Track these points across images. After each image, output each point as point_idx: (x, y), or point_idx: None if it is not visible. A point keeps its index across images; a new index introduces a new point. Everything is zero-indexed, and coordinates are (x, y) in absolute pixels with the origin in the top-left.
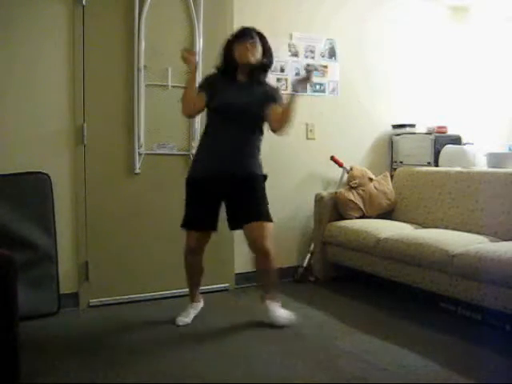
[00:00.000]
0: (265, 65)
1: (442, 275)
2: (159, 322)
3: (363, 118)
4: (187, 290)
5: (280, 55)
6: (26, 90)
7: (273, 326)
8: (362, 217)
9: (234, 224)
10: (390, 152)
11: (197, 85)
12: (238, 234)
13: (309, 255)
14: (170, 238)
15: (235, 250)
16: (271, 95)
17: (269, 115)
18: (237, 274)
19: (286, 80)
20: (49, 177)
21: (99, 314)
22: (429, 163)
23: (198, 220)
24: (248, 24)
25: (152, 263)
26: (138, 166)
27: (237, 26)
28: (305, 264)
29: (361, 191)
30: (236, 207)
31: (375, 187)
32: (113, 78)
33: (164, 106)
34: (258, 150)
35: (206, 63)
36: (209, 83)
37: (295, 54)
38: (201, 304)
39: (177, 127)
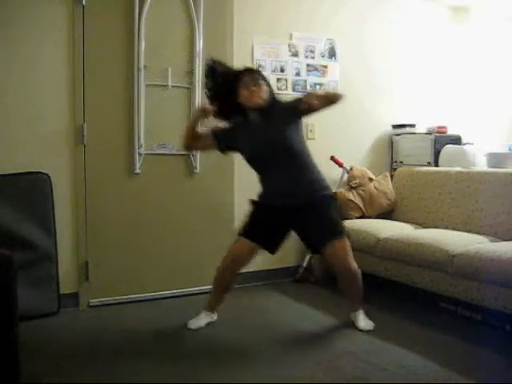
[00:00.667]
0: (273, 104)
1: (441, 275)
2: (159, 322)
3: (363, 118)
4: (188, 290)
5: (280, 55)
6: (26, 90)
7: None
8: (362, 217)
9: (314, 248)
10: (389, 152)
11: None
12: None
13: (309, 255)
14: (170, 238)
15: None
16: (291, 110)
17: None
18: (237, 273)
19: (286, 80)
20: (49, 177)
21: (99, 313)
22: (429, 163)
23: (254, 231)
24: (248, 24)
25: (152, 263)
26: (138, 165)
27: (237, 26)
28: (305, 264)
29: (361, 191)
30: (309, 232)
31: (375, 187)
32: (113, 78)
33: (164, 106)
34: (314, 167)
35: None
36: (225, 138)
37: (295, 54)
38: (215, 316)
39: (177, 127)
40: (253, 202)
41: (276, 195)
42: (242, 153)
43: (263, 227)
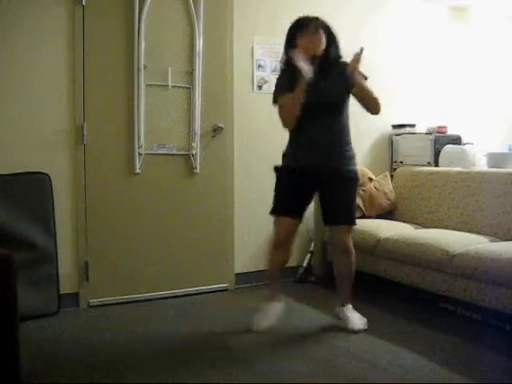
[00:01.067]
0: (333, 57)
1: (441, 275)
2: (159, 322)
3: (363, 118)
4: (188, 290)
5: (280, 55)
6: (26, 90)
7: (348, 331)
8: (362, 217)
9: (325, 221)
10: (389, 152)
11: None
12: (238, 234)
13: (309, 255)
14: (170, 238)
15: (235, 250)
16: (347, 81)
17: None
18: (237, 274)
19: None
20: (49, 177)
21: (99, 313)
22: (429, 163)
23: (291, 205)
24: (248, 24)
25: (152, 263)
26: (138, 166)
27: (237, 26)
28: (305, 264)
29: (361, 191)
30: (327, 205)
31: (375, 187)
32: (113, 78)
33: (164, 105)
34: (347, 135)
35: (206, 63)
36: (285, 83)
37: None
38: (281, 305)
39: (177, 127)
40: (280, 169)
41: (311, 152)
42: None
43: (296, 198)
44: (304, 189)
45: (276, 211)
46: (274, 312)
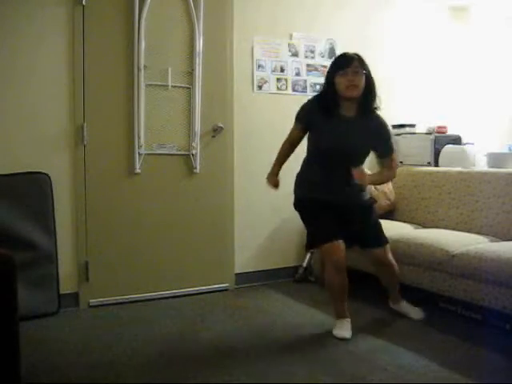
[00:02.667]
0: (370, 99)
1: (441, 275)
2: (159, 322)
3: None
4: (188, 290)
5: (280, 55)
6: (26, 90)
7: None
8: None
9: (362, 246)
10: None
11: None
12: (238, 234)
13: (309, 255)
14: (170, 238)
15: (235, 250)
16: (383, 143)
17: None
18: (237, 274)
19: (286, 80)
20: (49, 177)
21: (99, 313)
22: (429, 163)
23: (335, 229)
24: (248, 24)
25: (152, 263)
26: (138, 166)
27: (237, 26)
28: (305, 264)
29: None
30: (360, 232)
31: (375, 187)
32: (113, 78)
33: (164, 106)
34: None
35: (206, 63)
36: (309, 118)
37: (295, 54)
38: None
39: (177, 127)
40: (304, 201)
41: (326, 190)
42: (316, 137)
43: (332, 220)
44: (334, 213)
45: (324, 240)
46: (349, 325)
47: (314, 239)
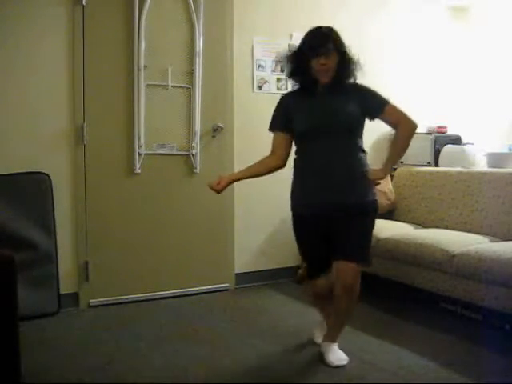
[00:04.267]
0: (345, 74)
1: (442, 275)
2: (159, 322)
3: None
4: (188, 290)
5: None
6: (26, 90)
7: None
8: None
9: (334, 254)
10: None
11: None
12: (239, 234)
13: None
14: (170, 238)
15: (235, 249)
16: (370, 100)
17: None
18: (237, 274)
19: (286, 80)
20: (49, 177)
21: (99, 313)
22: (429, 163)
23: (321, 261)
24: (248, 24)
25: (152, 263)
26: (138, 166)
27: (237, 26)
28: (305, 264)
29: None
30: (338, 235)
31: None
32: (113, 78)
33: (164, 106)
34: (364, 162)
35: (206, 63)
36: (282, 116)
37: None
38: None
39: (177, 127)
40: (294, 217)
41: (321, 191)
42: (295, 125)
43: (318, 247)
44: (321, 237)
45: (311, 275)
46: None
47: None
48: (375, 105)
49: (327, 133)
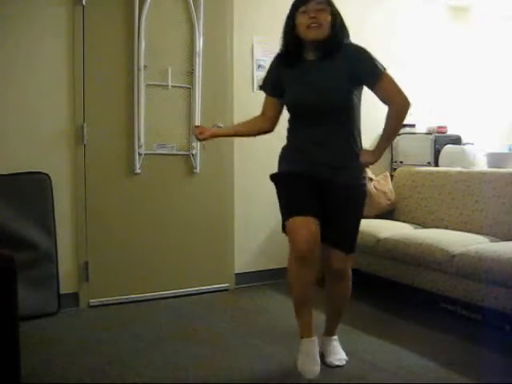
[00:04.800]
0: (337, 41)
1: (441, 275)
2: (159, 322)
3: (363, 117)
4: (188, 290)
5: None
6: (26, 90)
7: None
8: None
9: (323, 236)
10: (390, 152)
11: (258, 88)
12: (238, 234)
13: None
14: (170, 238)
15: (235, 249)
16: (364, 65)
17: (380, 95)
18: (237, 273)
19: None
20: (49, 177)
21: (99, 313)
22: (429, 163)
23: (306, 202)
24: (248, 24)
25: (152, 263)
26: (138, 166)
27: (237, 26)
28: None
29: None
30: (329, 221)
31: (375, 187)
32: (113, 78)
33: (164, 105)
34: (356, 144)
35: (206, 63)
36: (272, 79)
37: None
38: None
39: (177, 127)
40: (276, 177)
41: (307, 161)
42: (285, 99)
43: (309, 194)
44: (313, 188)
45: (288, 216)
46: (316, 351)
47: (283, 218)
48: (371, 71)
49: (314, 112)
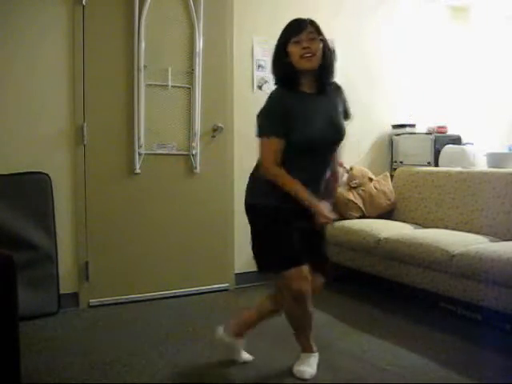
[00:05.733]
0: (331, 71)
1: (441, 275)
2: (159, 322)
3: (363, 117)
4: (188, 290)
5: None
6: (26, 90)
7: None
8: (362, 217)
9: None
10: (390, 152)
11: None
12: (238, 234)
13: None
14: (170, 238)
15: (235, 249)
16: (346, 109)
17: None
18: (237, 273)
19: None
20: (49, 177)
21: (99, 313)
22: (429, 163)
23: (302, 250)
24: (248, 24)
25: (152, 263)
26: (138, 166)
27: (237, 26)
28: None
29: (361, 191)
30: (310, 242)
31: (375, 187)
32: (113, 78)
33: (164, 105)
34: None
35: (206, 63)
36: (281, 119)
37: None
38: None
39: (177, 127)
40: (268, 210)
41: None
42: (291, 131)
43: (301, 242)
44: (298, 230)
45: (289, 264)
46: (315, 360)
47: (274, 262)
48: (347, 110)
49: (323, 148)
